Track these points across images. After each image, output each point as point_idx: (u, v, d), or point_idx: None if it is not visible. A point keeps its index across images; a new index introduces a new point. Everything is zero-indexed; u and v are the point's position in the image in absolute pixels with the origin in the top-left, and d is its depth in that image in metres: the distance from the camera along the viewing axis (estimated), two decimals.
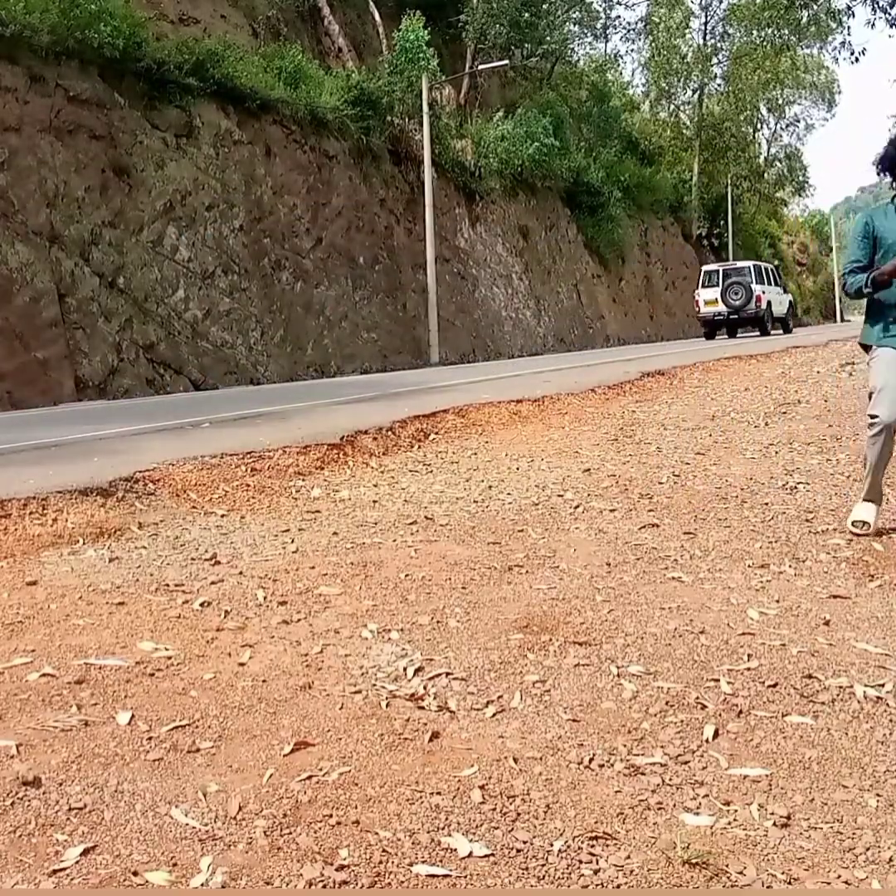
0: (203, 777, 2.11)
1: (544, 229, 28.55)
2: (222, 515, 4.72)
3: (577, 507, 4.85)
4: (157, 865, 1.78)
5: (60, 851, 1.82)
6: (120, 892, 1.70)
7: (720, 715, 2.45)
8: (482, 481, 5.58)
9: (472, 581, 3.60)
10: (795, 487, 5.20)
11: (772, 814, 1.98)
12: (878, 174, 4.23)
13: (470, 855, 1.82)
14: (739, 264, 25.57)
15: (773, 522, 4.49)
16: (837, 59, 40.55)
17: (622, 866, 1.79)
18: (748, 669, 2.73)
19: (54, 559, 3.89)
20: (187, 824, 1.92)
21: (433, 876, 1.75)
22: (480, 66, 24.97)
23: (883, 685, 2.61)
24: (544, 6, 27.69)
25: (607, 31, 39.57)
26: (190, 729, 2.36)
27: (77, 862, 1.78)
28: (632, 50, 64.99)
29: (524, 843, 1.86)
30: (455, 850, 1.84)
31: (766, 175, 49.83)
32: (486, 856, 1.82)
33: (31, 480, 4.84)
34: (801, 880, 1.76)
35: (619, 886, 1.74)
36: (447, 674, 2.70)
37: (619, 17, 49.47)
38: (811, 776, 2.15)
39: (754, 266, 24.91)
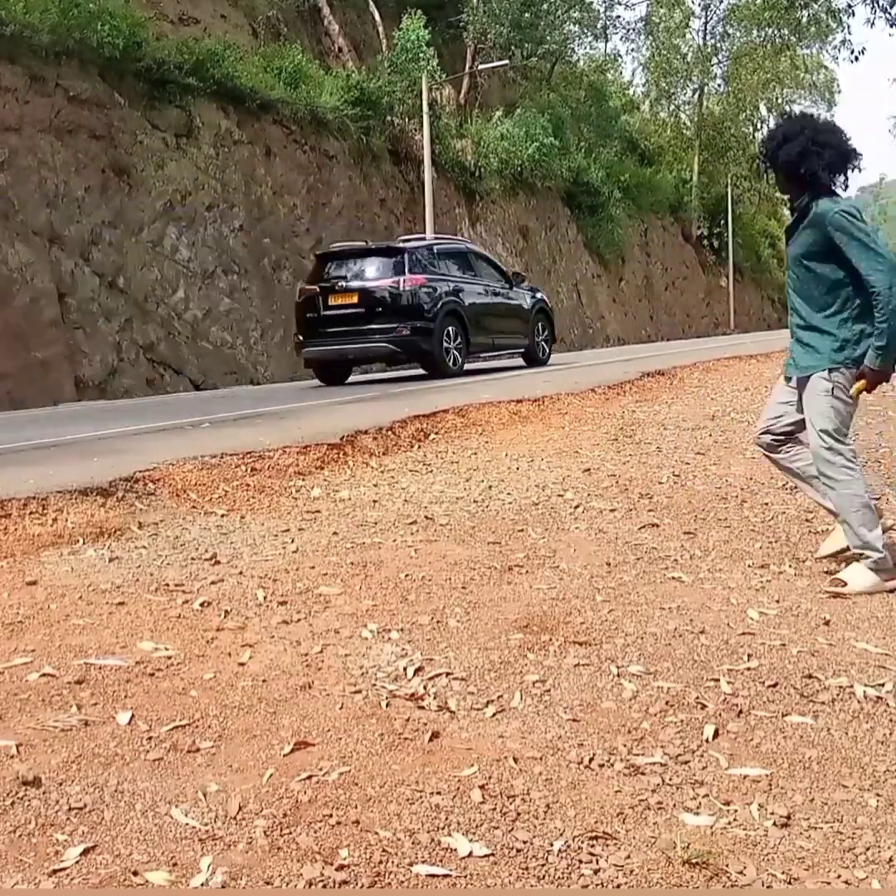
0: (203, 777, 2.11)
1: (544, 229, 28.56)
2: (222, 515, 4.72)
3: (577, 507, 4.85)
4: (157, 865, 1.78)
5: (60, 851, 1.81)
6: (120, 892, 1.70)
7: (720, 715, 2.45)
8: (482, 481, 5.58)
9: (472, 581, 3.60)
10: (795, 487, 5.19)
11: (772, 814, 1.98)
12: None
13: (470, 855, 1.82)
14: None
15: (773, 522, 4.49)
16: (837, 59, 40.71)
17: (622, 866, 1.79)
18: (748, 669, 2.73)
19: (54, 559, 3.88)
20: (187, 824, 1.92)
21: (433, 876, 1.75)
22: (480, 66, 24.99)
23: (883, 685, 2.61)
24: (544, 6, 27.66)
25: (607, 31, 39.55)
26: (190, 729, 2.35)
27: (77, 862, 1.78)
28: (632, 50, 65.06)
29: (524, 843, 1.86)
30: (455, 850, 1.84)
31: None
32: (486, 856, 1.82)
33: (31, 480, 4.83)
34: (801, 880, 1.76)
35: (619, 886, 1.74)
36: (447, 674, 2.69)
37: (619, 17, 49.34)
38: (811, 776, 2.15)
39: None
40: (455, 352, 11.79)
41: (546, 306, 14.44)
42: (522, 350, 13.56)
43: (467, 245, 14.18)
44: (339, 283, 11.31)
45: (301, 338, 11.71)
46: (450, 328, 11.64)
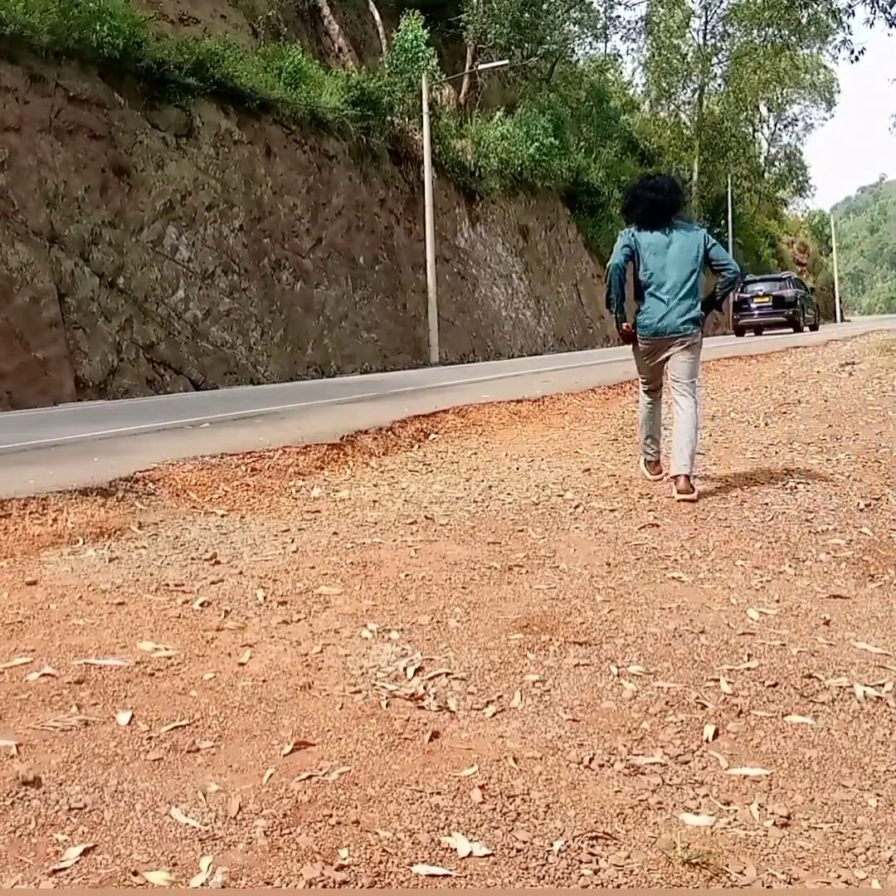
0: (203, 777, 2.11)
1: (544, 229, 28.55)
2: (222, 515, 4.72)
3: (577, 507, 4.85)
4: (157, 865, 1.78)
5: (60, 851, 1.82)
6: (120, 892, 1.70)
7: (720, 715, 2.45)
8: (482, 481, 5.58)
9: (472, 581, 3.60)
10: (795, 487, 5.19)
11: (772, 814, 1.98)
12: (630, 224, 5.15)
13: (470, 855, 1.82)
14: None
15: (773, 522, 4.49)
16: (837, 59, 40.75)
17: (622, 866, 1.79)
18: (748, 669, 2.73)
19: (54, 559, 3.88)
20: (187, 824, 1.92)
21: (433, 876, 1.75)
22: (480, 66, 24.98)
23: (883, 685, 2.61)
24: (544, 6, 27.66)
25: (607, 31, 39.57)
26: (190, 729, 2.36)
27: (77, 862, 1.78)
28: (632, 50, 65.08)
29: (524, 843, 1.86)
30: (455, 850, 1.84)
31: (766, 175, 49.90)
32: (486, 856, 1.82)
33: (31, 480, 4.83)
34: (801, 880, 1.76)
35: (619, 886, 1.74)
36: (447, 674, 2.70)
37: (618, 17, 49.36)
38: (811, 776, 2.15)
39: None
40: (802, 322, 26.02)
41: (814, 301, 30.44)
42: (812, 324, 27.53)
43: (795, 275, 30.22)
44: (760, 290, 25.79)
45: (737, 319, 26.07)
46: (801, 311, 25.98)
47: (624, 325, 5.12)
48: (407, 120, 21.54)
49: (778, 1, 31.63)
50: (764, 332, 25.79)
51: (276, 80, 17.70)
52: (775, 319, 25.21)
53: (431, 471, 6.03)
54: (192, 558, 3.91)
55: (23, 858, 1.79)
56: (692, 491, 4.91)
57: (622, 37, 44.16)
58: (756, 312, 25.48)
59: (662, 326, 4.96)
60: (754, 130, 48.93)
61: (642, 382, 5.36)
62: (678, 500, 4.85)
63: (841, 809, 2.00)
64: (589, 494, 5.14)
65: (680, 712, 2.46)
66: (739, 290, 25.50)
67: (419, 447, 6.98)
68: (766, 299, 25.38)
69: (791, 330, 25.26)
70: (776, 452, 6.28)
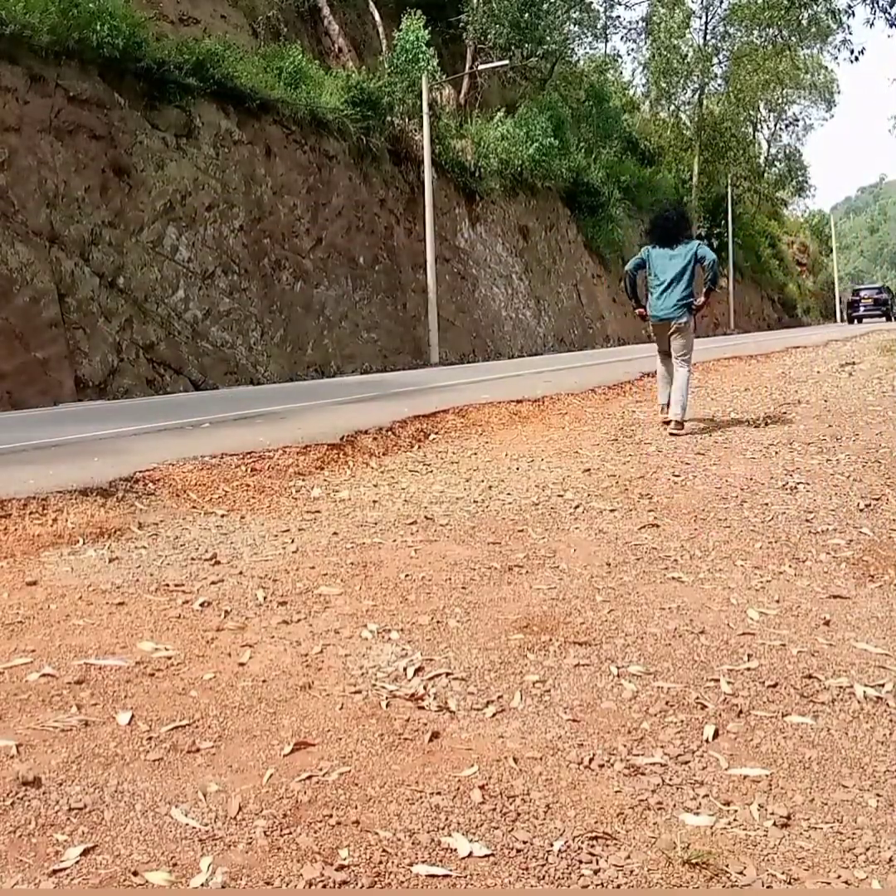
0: (203, 777, 2.11)
1: (544, 229, 28.54)
2: (222, 515, 4.72)
3: (577, 507, 4.85)
4: (157, 865, 1.78)
5: (60, 851, 1.82)
6: (120, 892, 1.70)
7: (720, 715, 2.45)
8: (482, 481, 5.58)
9: (472, 581, 3.60)
10: (795, 487, 5.20)
11: (772, 814, 1.98)
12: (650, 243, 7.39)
13: (470, 855, 1.82)
14: None
15: (773, 522, 4.49)
16: (837, 59, 40.81)
17: (622, 866, 1.79)
18: (748, 669, 2.73)
19: (54, 559, 3.88)
20: (187, 824, 1.92)
21: (433, 876, 1.75)
22: (480, 67, 24.94)
23: (883, 685, 2.62)
24: (544, 6, 27.62)
25: (607, 31, 39.55)
26: (190, 729, 2.35)
27: (77, 862, 1.78)
28: (632, 50, 64.97)
29: (524, 843, 1.86)
30: (455, 850, 1.84)
31: (766, 175, 49.86)
32: (486, 856, 1.82)
33: (31, 480, 4.83)
34: (801, 880, 1.76)
35: (619, 886, 1.74)
36: (447, 674, 2.70)
37: (619, 17, 49.35)
38: (811, 776, 2.15)
39: None
40: (891, 315, 39.72)
41: None
42: None
43: (886, 285, 46.45)
44: (865, 295, 41.12)
45: (850, 312, 41.15)
46: (890, 307, 40.11)
47: (639, 310, 7.58)
48: (407, 120, 21.52)
49: (778, 1, 31.58)
50: (864, 321, 38.74)
51: (276, 81, 17.68)
52: (874, 312, 39.27)
53: (431, 471, 6.03)
54: (192, 558, 3.91)
55: (23, 858, 1.79)
56: (681, 427, 7.03)
57: (622, 37, 44.26)
58: (862, 308, 39.92)
59: (663, 313, 7.20)
60: (754, 130, 48.92)
61: (658, 351, 7.59)
62: (669, 433, 7.00)
63: (841, 809, 2.00)
64: (589, 494, 5.14)
65: (680, 712, 2.46)
66: (852, 294, 42.87)
67: (419, 447, 6.98)
68: (869, 300, 40.06)
69: (884, 319, 38.53)
70: (776, 452, 6.28)
